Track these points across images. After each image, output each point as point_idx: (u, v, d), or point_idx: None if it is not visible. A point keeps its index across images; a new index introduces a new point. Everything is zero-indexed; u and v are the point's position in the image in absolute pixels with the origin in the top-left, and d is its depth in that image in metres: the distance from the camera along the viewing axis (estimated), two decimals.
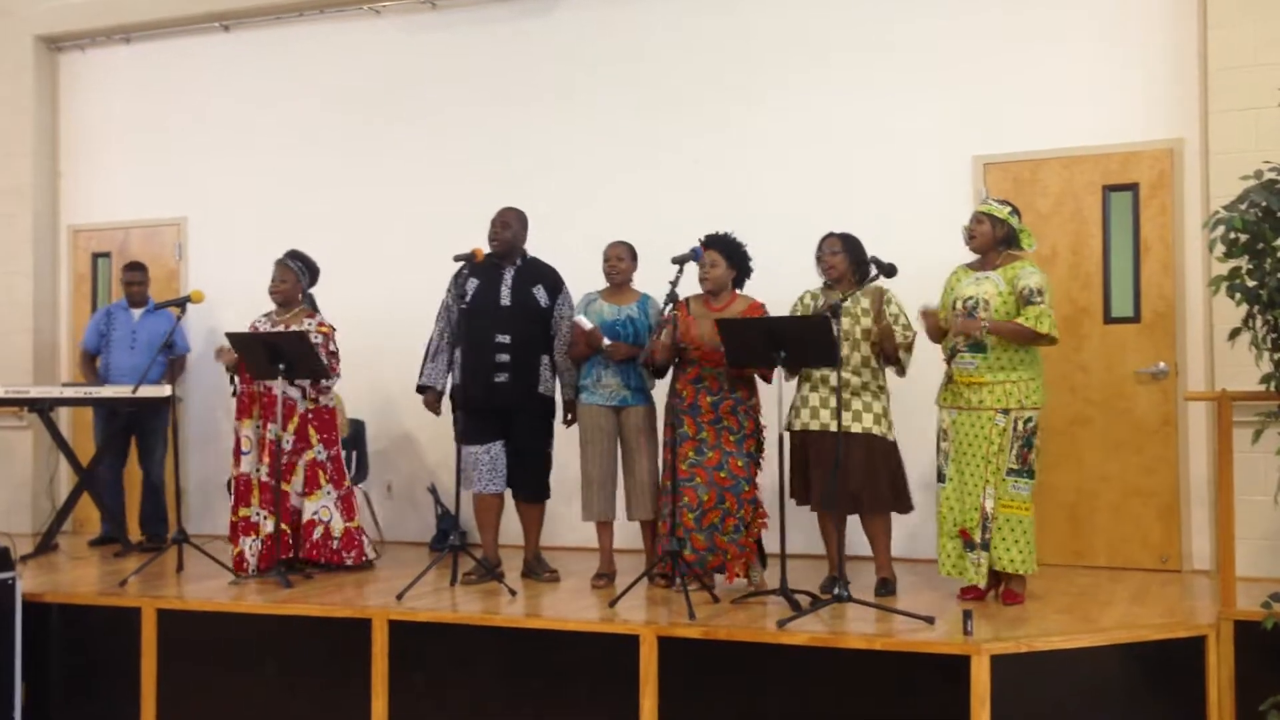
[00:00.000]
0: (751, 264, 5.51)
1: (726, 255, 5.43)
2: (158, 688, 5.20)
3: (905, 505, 5.31)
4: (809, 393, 5.30)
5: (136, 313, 7.29)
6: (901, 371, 5.28)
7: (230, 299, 7.40)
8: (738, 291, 5.52)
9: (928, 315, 5.09)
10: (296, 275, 6.18)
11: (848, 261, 5.29)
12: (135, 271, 7.34)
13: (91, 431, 7.33)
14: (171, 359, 7.26)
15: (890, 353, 5.20)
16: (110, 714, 5.28)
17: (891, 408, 5.28)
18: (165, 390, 6.54)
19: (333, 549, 5.99)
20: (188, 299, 6.08)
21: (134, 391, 6.36)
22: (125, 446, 7.19)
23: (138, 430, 7.11)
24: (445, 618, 4.89)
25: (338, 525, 6.02)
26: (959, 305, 5.02)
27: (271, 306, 6.25)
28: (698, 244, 5.40)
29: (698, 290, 5.51)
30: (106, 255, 8.18)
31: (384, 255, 7.40)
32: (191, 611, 5.24)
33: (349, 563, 5.99)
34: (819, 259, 5.36)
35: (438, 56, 7.45)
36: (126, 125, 8.20)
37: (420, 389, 5.86)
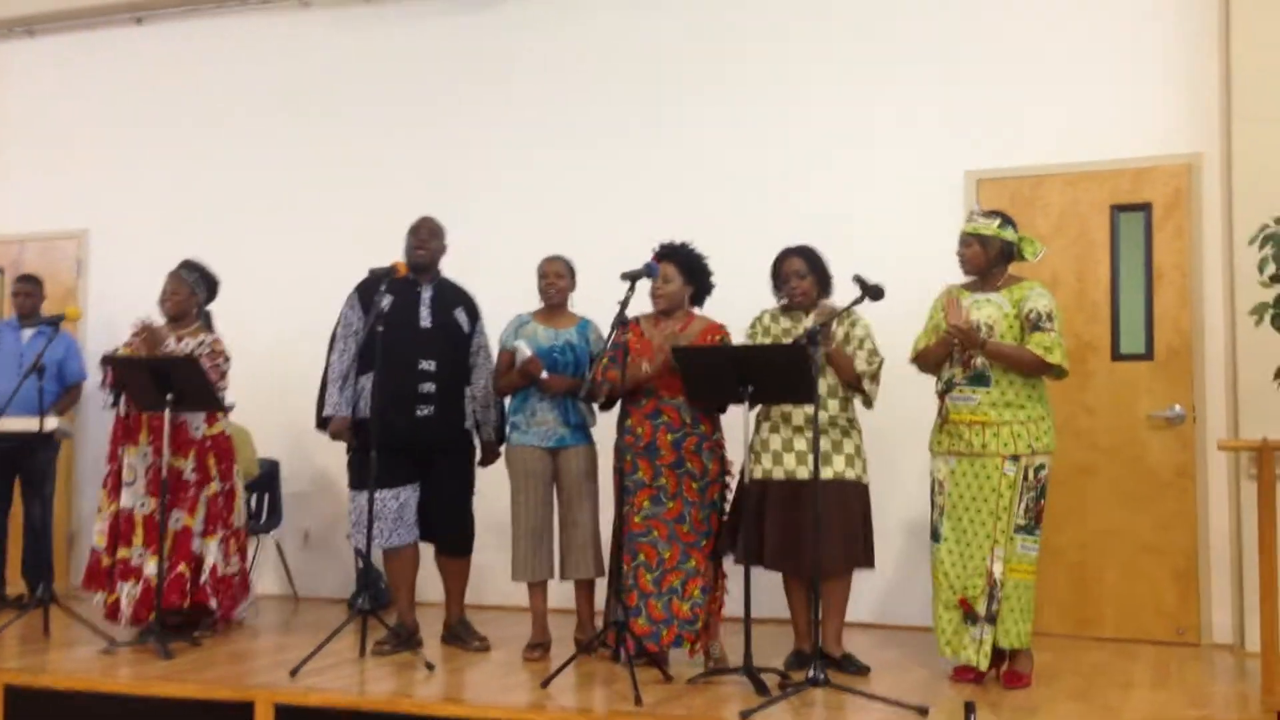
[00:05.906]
0: (712, 279, 4.77)
1: (685, 270, 4.69)
2: None
3: (869, 560, 4.54)
4: (769, 434, 4.53)
5: (27, 333, 6.44)
6: (868, 403, 4.54)
7: (133, 319, 6.59)
8: (694, 311, 4.78)
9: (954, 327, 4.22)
10: (191, 288, 5.48)
11: (815, 282, 4.59)
12: (27, 283, 6.50)
13: None
14: (65, 387, 6.42)
15: (849, 381, 4.47)
16: None
17: (864, 444, 4.56)
18: (35, 424, 5.54)
19: (205, 591, 5.21)
20: (61, 317, 5.30)
21: None
22: (8, 486, 6.33)
23: (22, 467, 6.26)
24: (341, 701, 4.07)
25: (219, 569, 5.26)
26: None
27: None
28: (652, 259, 4.64)
29: (647, 309, 4.76)
30: None
31: (303, 275, 6.59)
32: (45, 690, 4.39)
33: (212, 605, 5.20)
34: (781, 281, 4.63)
35: (371, 54, 6.72)
36: (26, 127, 7.43)
37: (324, 421, 4.99)
